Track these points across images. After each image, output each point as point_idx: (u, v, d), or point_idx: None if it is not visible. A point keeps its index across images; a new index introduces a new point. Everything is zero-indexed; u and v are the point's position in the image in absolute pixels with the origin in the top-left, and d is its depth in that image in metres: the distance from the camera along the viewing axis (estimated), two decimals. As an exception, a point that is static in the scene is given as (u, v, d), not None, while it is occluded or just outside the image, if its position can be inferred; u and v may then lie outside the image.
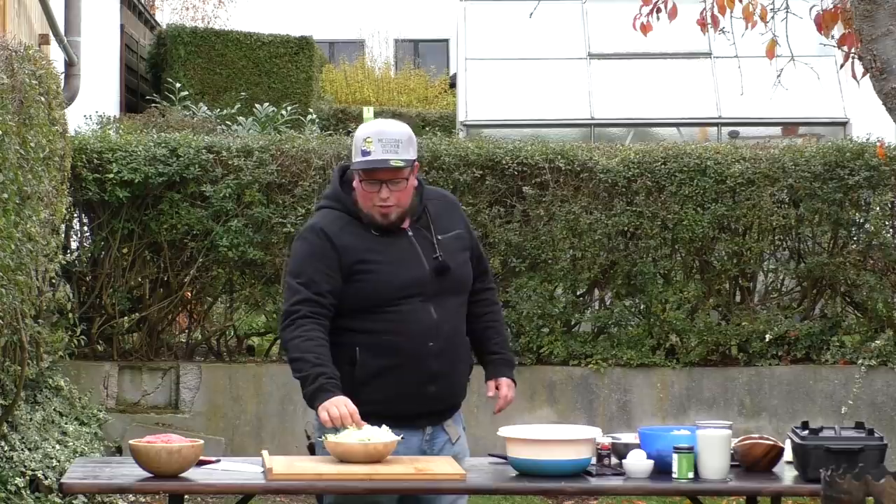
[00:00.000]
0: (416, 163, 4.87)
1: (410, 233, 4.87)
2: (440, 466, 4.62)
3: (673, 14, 6.50)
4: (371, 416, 4.74)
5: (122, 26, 16.83)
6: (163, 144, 9.24)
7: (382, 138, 4.77)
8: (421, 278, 4.81)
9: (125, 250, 9.31)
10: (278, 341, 9.72)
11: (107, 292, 9.29)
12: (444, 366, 4.83)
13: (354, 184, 4.85)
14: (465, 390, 5.01)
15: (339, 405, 4.61)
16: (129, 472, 4.62)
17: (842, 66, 6.47)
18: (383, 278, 4.78)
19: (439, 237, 4.88)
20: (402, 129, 4.83)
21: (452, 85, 19.96)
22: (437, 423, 4.91)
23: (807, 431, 4.63)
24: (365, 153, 4.76)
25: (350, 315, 4.80)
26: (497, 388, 5.04)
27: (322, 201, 4.99)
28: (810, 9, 6.27)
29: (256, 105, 14.73)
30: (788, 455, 4.76)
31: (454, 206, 5.06)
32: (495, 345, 5.08)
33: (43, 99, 7.47)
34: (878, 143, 8.82)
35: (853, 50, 6.10)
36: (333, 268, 4.78)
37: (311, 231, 4.88)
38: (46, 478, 7.24)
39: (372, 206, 4.81)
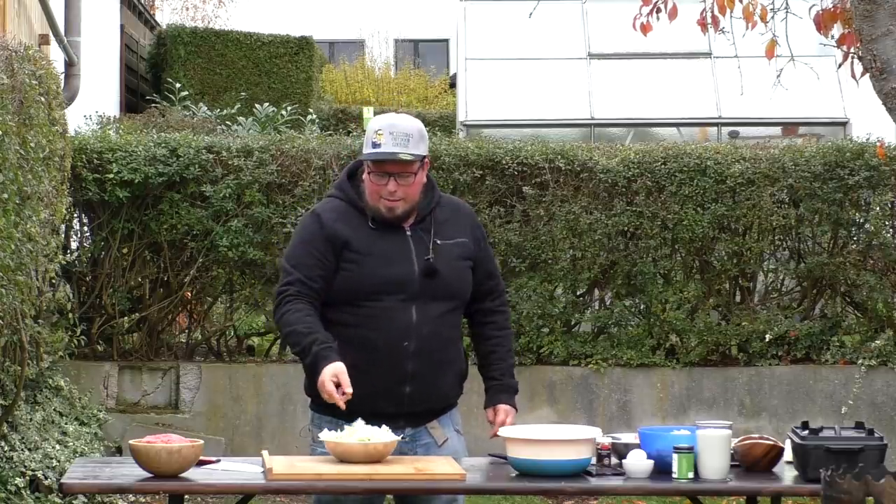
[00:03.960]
0: (427, 160, 4.87)
1: (409, 232, 4.86)
2: (440, 466, 4.62)
3: (673, 14, 6.50)
4: (347, 413, 4.78)
5: (122, 26, 16.82)
6: (163, 144, 9.24)
7: (393, 131, 4.79)
8: (406, 277, 4.80)
9: (125, 250, 9.31)
10: (278, 341, 9.73)
11: (107, 292, 9.29)
12: (420, 368, 4.80)
13: (364, 177, 4.86)
14: (452, 397, 4.96)
15: (326, 383, 4.61)
16: (129, 472, 4.62)
17: (840, 65, 6.48)
18: (367, 271, 4.78)
19: (437, 241, 4.86)
20: (413, 124, 4.84)
21: (452, 85, 19.96)
22: (416, 426, 4.87)
23: (807, 431, 4.63)
24: (375, 145, 4.78)
25: (334, 306, 4.81)
26: (495, 414, 5.00)
27: (329, 191, 5.04)
28: (810, 9, 6.27)
29: (256, 105, 14.73)
30: (788, 455, 4.75)
31: (467, 217, 5.03)
32: (496, 370, 5.03)
33: (43, 99, 7.47)
34: (878, 143, 8.82)
35: (853, 50, 6.10)
36: (324, 252, 4.80)
37: (309, 216, 4.94)
38: (46, 478, 7.24)
39: (379, 200, 4.81)
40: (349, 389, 4.61)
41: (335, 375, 4.63)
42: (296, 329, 4.73)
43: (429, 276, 4.81)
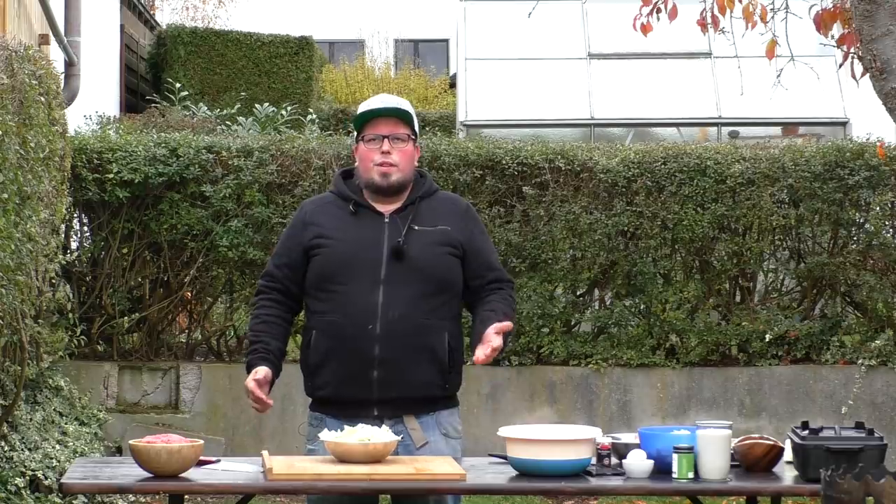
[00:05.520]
0: (418, 147, 4.96)
1: (387, 219, 4.88)
2: (440, 466, 4.62)
3: (673, 14, 6.51)
4: (323, 402, 4.89)
5: (122, 26, 16.83)
6: (163, 144, 9.25)
7: (384, 99, 4.96)
8: (374, 260, 4.82)
9: (125, 250, 9.31)
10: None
11: (107, 292, 9.29)
12: (388, 352, 4.77)
13: (357, 155, 4.92)
14: (430, 387, 4.84)
15: (248, 382, 4.90)
16: (129, 472, 4.62)
17: (840, 65, 6.48)
18: (335, 254, 4.83)
19: (414, 227, 4.86)
20: (403, 99, 5.01)
21: (452, 85, 19.96)
22: (393, 417, 4.83)
23: (807, 431, 4.63)
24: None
25: (310, 294, 4.90)
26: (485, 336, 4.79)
27: None
28: (810, 8, 6.28)
29: (256, 105, 14.72)
30: (788, 455, 4.75)
31: (460, 210, 4.99)
32: (488, 309, 4.88)
33: (43, 99, 7.47)
34: (878, 143, 8.83)
35: (853, 50, 6.11)
36: (295, 242, 4.94)
37: (298, 207, 5.10)
38: (46, 478, 7.24)
39: (373, 168, 4.86)
40: (262, 395, 4.86)
41: (254, 380, 4.87)
42: (249, 338, 5.02)
43: (397, 258, 4.81)
